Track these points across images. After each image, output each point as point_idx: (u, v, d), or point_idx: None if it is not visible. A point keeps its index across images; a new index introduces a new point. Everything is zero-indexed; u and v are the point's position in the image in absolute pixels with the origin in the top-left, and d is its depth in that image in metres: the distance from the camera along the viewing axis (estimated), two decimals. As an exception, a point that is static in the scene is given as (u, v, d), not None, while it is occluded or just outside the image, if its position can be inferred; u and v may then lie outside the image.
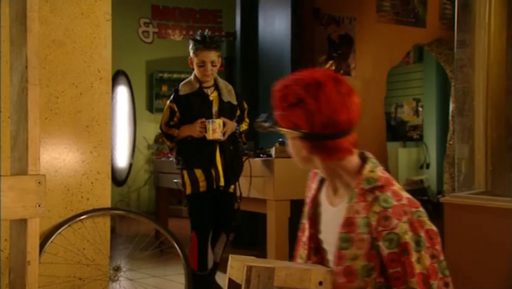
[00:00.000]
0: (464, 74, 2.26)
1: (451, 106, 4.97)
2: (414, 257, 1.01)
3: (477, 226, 1.90)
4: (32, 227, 0.72)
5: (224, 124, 2.56)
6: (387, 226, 1.02)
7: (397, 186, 1.09)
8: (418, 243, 1.02)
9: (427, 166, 6.07)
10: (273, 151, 2.94)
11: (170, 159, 4.27)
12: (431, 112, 6.02)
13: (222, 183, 2.59)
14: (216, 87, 2.65)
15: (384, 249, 1.02)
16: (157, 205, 4.37)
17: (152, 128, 6.97)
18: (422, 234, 1.03)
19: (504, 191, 2.12)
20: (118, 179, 6.71)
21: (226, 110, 2.64)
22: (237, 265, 1.03)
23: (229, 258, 1.11)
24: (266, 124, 1.18)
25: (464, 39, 2.30)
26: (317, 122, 1.06)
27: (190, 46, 2.63)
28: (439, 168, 5.78)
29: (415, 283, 1.01)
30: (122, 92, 6.73)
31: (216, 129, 2.53)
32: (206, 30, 2.69)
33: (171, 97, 2.66)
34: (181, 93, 2.62)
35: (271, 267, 0.97)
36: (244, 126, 2.77)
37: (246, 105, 2.80)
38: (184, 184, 2.63)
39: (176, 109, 2.62)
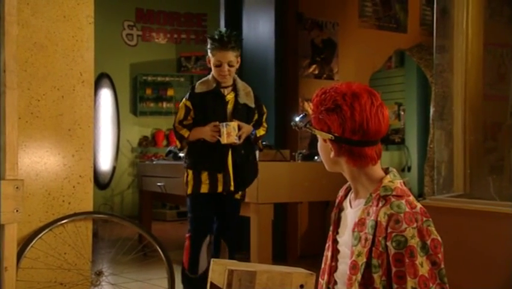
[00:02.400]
0: (443, 79, 2.31)
1: (431, 111, 5.06)
2: (418, 260, 1.09)
3: (457, 228, 1.94)
4: (9, 232, 0.71)
5: (239, 128, 2.42)
6: (396, 228, 1.10)
7: (412, 198, 1.18)
8: (423, 249, 1.10)
9: (409, 169, 6.16)
10: (257, 154, 2.95)
11: (154, 162, 4.25)
12: (412, 116, 6.12)
13: (233, 188, 2.46)
14: (234, 87, 2.52)
15: (392, 249, 1.10)
16: (140, 208, 4.34)
17: (135, 131, 6.92)
18: (428, 242, 1.11)
19: (482, 194, 2.17)
20: (101, 183, 6.64)
21: (240, 112, 2.49)
22: (219, 269, 1.03)
23: (211, 262, 1.12)
24: (302, 124, 1.25)
25: (443, 44, 2.35)
26: (348, 128, 1.16)
27: (208, 45, 2.50)
28: (420, 171, 5.86)
29: (417, 284, 1.09)
30: (106, 95, 6.67)
31: (231, 132, 2.38)
32: (225, 28, 2.58)
33: (187, 94, 2.54)
34: (197, 90, 2.49)
35: (253, 270, 0.98)
36: (261, 132, 2.62)
37: (265, 109, 2.66)
38: (186, 183, 2.51)
39: (191, 107, 2.49)
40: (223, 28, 2.48)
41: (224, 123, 2.40)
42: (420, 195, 5.49)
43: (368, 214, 1.16)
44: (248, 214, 2.90)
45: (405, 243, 1.09)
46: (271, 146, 3.07)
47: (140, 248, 3.28)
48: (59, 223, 2.19)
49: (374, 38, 4.38)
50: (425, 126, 5.83)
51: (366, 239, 1.14)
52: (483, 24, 2.48)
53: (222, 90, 2.50)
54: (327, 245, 1.32)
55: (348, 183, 1.31)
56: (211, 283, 1.08)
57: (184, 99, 2.54)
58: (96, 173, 6.33)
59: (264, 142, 3.13)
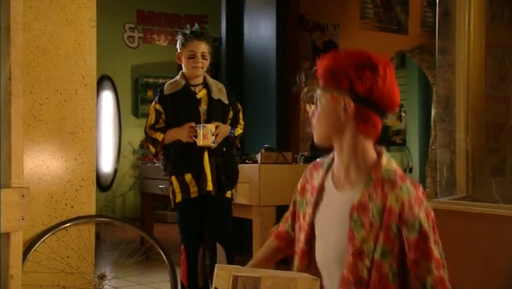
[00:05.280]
0: (445, 81, 2.31)
1: (433, 112, 5.06)
2: (432, 243, 1.08)
3: (460, 231, 1.94)
4: (15, 240, 0.71)
5: (216, 128, 2.34)
6: (411, 215, 1.07)
7: (409, 178, 1.15)
8: (432, 230, 1.09)
9: (410, 170, 6.15)
10: (258, 157, 2.95)
11: (156, 164, 4.25)
12: (414, 117, 6.11)
13: (210, 188, 2.36)
14: (205, 84, 2.43)
15: (407, 235, 1.07)
16: (142, 210, 4.34)
17: (137, 133, 6.92)
18: (430, 222, 1.10)
19: (485, 196, 2.17)
20: (103, 185, 6.65)
21: (216, 109, 2.40)
22: (223, 275, 1.03)
23: (216, 268, 1.12)
24: (312, 93, 1.21)
25: (444, 46, 2.35)
26: (378, 89, 1.09)
27: (178, 41, 2.42)
28: (421, 172, 5.86)
29: (434, 267, 1.07)
30: (107, 97, 6.68)
31: (207, 134, 2.31)
32: (195, 24, 2.49)
33: (157, 97, 2.45)
34: (166, 92, 2.41)
35: (257, 276, 0.98)
36: (239, 130, 2.52)
37: (239, 106, 2.56)
38: (173, 191, 2.41)
39: (161, 110, 2.40)
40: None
41: (201, 125, 2.33)
42: (421, 197, 5.47)
43: (370, 197, 1.11)
44: (250, 216, 2.90)
45: (419, 228, 1.06)
46: (273, 148, 3.07)
47: (142, 251, 3.28)
48: (62, 227, 2.20)
49: (376, 40, 4.38)
50: (426, 127, 5.82)
51: (371, 225, 1.09)
52: (485, 26, 2.48)
53: (192, 88, 2.41)
54: (297, 225, 1.26)
55: (326, 161, 1.24)
56: None
57: (153, 103, 2.45)
58: (98, 175, 6.32)
59: (265, 145, 3.14)
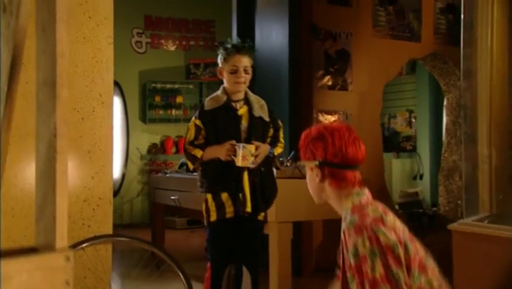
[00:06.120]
0: (469, 101, 2.27)
1: (445, 119, 5.01)
2: (368, 264, 1.24)
3: (486, 255, 1.90)
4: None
5: (256, 149, 2.26)
6: (350, 242, 1.29)
7: (369, 210, 1.33)
8: (373, 254, 1.25)
9: (421, 177, 6.10)
10: (274, 172, 2.91)
11: (167, 175, 4.22)
12: (424, 123, 6.06)
13: (249, 209, 2.28)
14: (246, 100, 2.36)
15: (352, 262, 1.28)
16: (153, 221, 4.30)
17: (145, 138, 6.90)
18: (376, 247, 1.25)
19: (509, 214, 2.13)
20: (110, 191, 6.63)
21: (257, 127, 2.33)
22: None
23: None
24: (295, 163, 1.48)
25: (469, 68, 2.31)
26: (330, 152, 1.41)
27: (220, 55, 2.35)
28: (432, 178, 5.81)
29: (368, 286, 1.23)
30: (115, 102, 6.64)
31: (246, 156, 2.22)
32: (237, 38, 2.43)
33: (197, 112, 2.37)
34: (207, 107, 2.33)
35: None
36: (279, 149, 2.44)
37: (280, 123, 2.48)
38: (207, 209, 2.32)
39: (201, 125, 2.32)
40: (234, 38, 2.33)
41: (241, 144, 2.25)
42: (434, 205, 5.43)
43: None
44: (267, 231, 2.86)
45: (357, 253, 1.25)
46: (288, 161, 3.03)
47: (155, 263, 3.26)
48: (79, 247, 2.16)
49: (388, 48, 4.34)
50: (438, 133, 5.77)
51: (342, 258, 1.37)
52: (508, 39, 2.44)
53: (234, 103, 2.34)
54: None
55: None
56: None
57: (193, 118, 2.38)
58: (106, 181, 6.30)
59: (281, 159, 3.09)
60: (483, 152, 2.29)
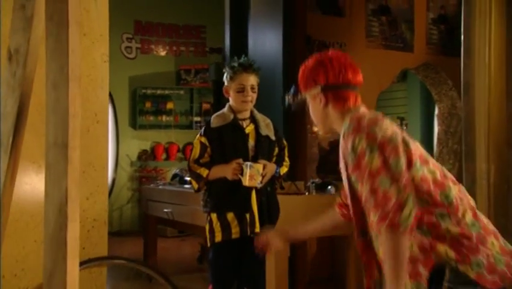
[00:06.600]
0: (470, 124, 2.27)
1: (436, 128, 5.03)
2: (366, 159, 1.25)
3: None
4: None
5: (264, 168, 2.23)
6: (348, 142, 1.31)
7: (366, 114, 1.36)
8: (371, 150, 1.26)
9: (412, 184, 6.13)
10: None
11: (160, 187, 4.17)
12: (416, 131, 6.09)
13: (258, 229, 2.22)
14: (253, 119, 2.35)
15: (350, 163, 1.30)
16: (145, 232, 4.24)
17: (135, 145, 6.82)
18: (374, 143, 1.26)
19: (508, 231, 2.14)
20: (99, 198, 6.53)
21: (263, 145, 2.31)
22: None
23: None
24: (296, 98, 1.51)
25: (468, 83, 2.31)
26: (331, 75, 1.42)
27: (226, 74, 2.35)
28: (423, 186, 5.83)
29: (366, 178, 1.25)
30: (104, 108, 6.57)
31: (254, 175, 2.17)
32: (243, 55, 2.42)
33: (202, 130, 2.34)
34: (213, 125, 2.30)
35: None
36: (284, 169, 2.42)
37: (285, 142, 2.47)
38: (211, 230, 2.26)
39: (207, 143, 2.29)
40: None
41: (249, 163, 2.20)
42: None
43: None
44: (263, 248, 2.83)
45: (354, 150, 1.27)
46: (284, 178, 3.00)
47: (145, 276, 3.21)
48: (73, 270, 2.11)
49: (381, 58, 4.34)
50: (429, 141, 5.81)
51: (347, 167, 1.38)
52: (505, 53, 2.45)
53: (241, 122, 2.33)
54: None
55: None
56: None
57: (198, 135, 2.34)
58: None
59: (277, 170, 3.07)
60: (482, 172, 2.29)
